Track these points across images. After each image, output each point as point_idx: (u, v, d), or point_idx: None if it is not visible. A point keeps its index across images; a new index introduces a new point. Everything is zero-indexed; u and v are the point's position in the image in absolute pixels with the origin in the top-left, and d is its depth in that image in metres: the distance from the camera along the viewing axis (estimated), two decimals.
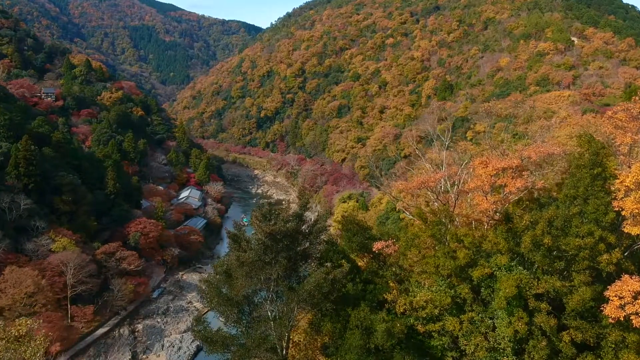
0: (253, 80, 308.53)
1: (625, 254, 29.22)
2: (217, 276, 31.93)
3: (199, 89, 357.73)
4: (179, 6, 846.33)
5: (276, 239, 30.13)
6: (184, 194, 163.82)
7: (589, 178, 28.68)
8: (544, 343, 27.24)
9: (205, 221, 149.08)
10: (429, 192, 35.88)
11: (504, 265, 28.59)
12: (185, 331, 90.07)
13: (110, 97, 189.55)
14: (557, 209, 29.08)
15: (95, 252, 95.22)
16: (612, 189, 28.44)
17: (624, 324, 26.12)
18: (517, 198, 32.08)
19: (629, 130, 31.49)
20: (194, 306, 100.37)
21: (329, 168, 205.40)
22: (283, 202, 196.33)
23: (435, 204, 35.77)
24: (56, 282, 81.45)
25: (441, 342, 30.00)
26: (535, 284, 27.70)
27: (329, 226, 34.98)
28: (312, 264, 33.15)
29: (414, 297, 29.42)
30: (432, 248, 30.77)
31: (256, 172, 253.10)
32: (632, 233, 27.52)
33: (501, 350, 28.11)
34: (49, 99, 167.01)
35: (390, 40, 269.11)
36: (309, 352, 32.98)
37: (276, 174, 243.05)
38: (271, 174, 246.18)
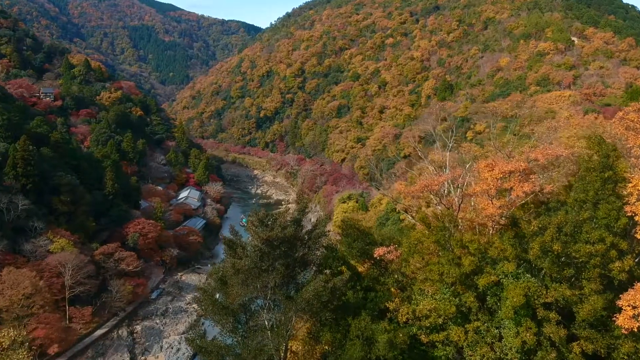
0: (252, 80, 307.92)
1: (637, 260, 28.15)
2: (212, 283, 30.92)
3: (199, 89, 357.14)
4: (178, 6, 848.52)
5: (273, 246, 29.08)
6: (183, 194, 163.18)
7: (599, 181, 27.61)
8: (553, 354, 26.20)
9: (204, 221, 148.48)
10: (432, 196, 34.67)
11: (511, 272, 27.53)
12: (184, 332, 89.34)
13: (109, 97, 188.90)
14: (567, 214, 27.98)
15: (93, 252, 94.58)
16: (624, 193, 27.33)
17: (638, 335, 25.10)
18: (523, 202, 30.98)
19: None
20: (193, 307, 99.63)
21: (329, 168, 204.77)
22: (282, 202, 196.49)
23: (438, 207, 34.67)
24: (54, 283, 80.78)
25: (445, 352, 28.77)
26: (544, 292, 26.62)
27: (329, 231, 33.57)
28: (311, 271, 32.11)
29: (417, 305, 28.26)
30: (435, 254, 29.60)
31: (256, 172, 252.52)
32: None
33: None
34: (48, 99, 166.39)
35: (390, 40, 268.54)
36: None
37: (276, 174, 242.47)
38: (271, 174, 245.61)
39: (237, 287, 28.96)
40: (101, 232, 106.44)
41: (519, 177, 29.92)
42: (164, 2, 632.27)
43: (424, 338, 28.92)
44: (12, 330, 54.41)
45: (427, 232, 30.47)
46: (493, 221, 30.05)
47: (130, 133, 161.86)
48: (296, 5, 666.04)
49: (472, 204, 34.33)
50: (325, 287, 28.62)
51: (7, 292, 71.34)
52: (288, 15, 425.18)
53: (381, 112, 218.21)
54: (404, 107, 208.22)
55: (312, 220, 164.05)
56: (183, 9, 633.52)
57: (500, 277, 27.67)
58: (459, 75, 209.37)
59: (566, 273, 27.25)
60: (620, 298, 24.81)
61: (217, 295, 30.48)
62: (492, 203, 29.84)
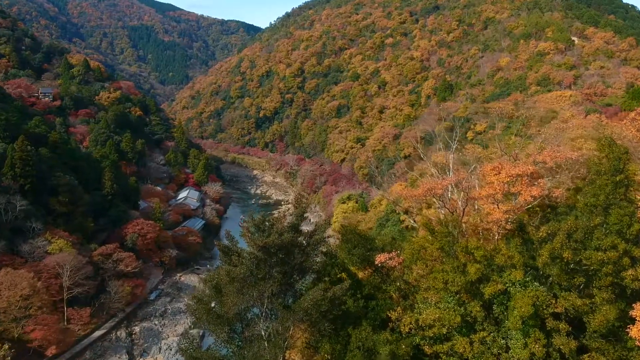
0: (252, 80, 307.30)
1: None
2: (207, 292, 29.68)
3: (198, 89, 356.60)
4: (177, 6, 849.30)
5: (270, 253, 27.99)
6: (182, 194, 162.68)
7: (611, 185, 26.56)
8: None
9: (203, 222, 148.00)
10: (435, 200, 33.53)
11: (519, 281, 26.33)
12: (182, 334, 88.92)
13: (108, 97, 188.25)
14: (577, 220, 26.90)
15: (92, 253, 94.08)
16: (637, 197, 26.50)
17: None
18: (529, 206, 29.78)
19: None
20: None
21: (328, 168, 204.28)
22: (282, 202, 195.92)
23: (441, 211, 33.60)
24: (52, 284, 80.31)
25: None
26: (554, 302, 25.49)
27: (328, 237, 32.35)
28: (310, 279, 30.97)
29: (420, 314, 27.01)
30: (439, 261, 28.44)
31: (255, 172, 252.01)
32: None
33: None
34: (47, 99, 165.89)
35: (390, 40, 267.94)
36: None
37: (275, 174, 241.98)
38: (270, 174, 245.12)
39: (232, 295, 27.78)
40: (100, 233, 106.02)
41: (527, 181, 28.81)
42: (164, 2, 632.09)
43: (427, 349, 27.61)
44: None
45: (430, 238, 29.23)
46: (499, 226, 28.92)
47: (129, 133, 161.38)
48: (296, 5, 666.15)
49: (476, 207, 33.14)
50: (325, 296, 27.41)
51: (5, 294, 70.83)
52: (287, 15, 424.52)
53: (381, 112, 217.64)
54: (403, 107, 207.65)
55: (312, 220, 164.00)
56: (182, 9, 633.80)
57: (507, 285, 26.53)
58: (459, 75, 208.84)
59: (576, 281, 26.14)
60: (633, 308, 23.86)
61: (213, 304, 29.37)
62: (498, 207, 28.69)
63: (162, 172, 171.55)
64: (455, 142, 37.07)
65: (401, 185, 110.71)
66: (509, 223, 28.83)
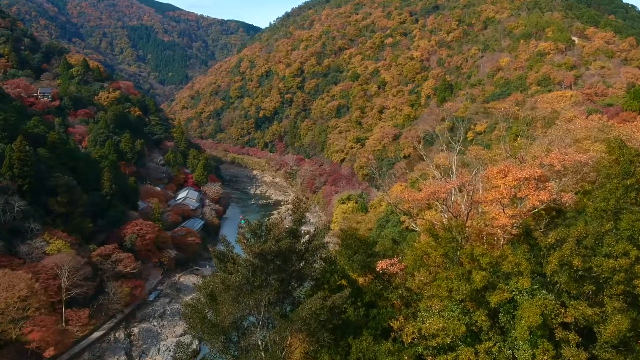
0: (252, 80, 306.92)
1: None
2: (201, 300, 28.56)
3: (198, 89, 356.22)
4: (177, 6, 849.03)
5: (266, 260, 26.88)
6: (182, 194, 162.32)
7: (622, 189, 25.58)
8: None
9: (202, 222, 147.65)
10: (437, 203, 32.38)
11: (526, 289, 25.12)
12: (181, 335, 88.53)
13: (107, 97, 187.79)
14: (586, 225, 25.73)
15: (90, 254, 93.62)
16: None
17: None
18: (535, 210, 28.60)
19: None
20: None
21: (328, 168, 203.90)
22: (282, 203, 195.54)
23: (445, 215, 32.48)
24: (50, 285, 79.79)
25: None
26: (563, 311, 24.31)
27: (327, 242, 31.28)
28: (308, 286, 29.87)
29: (423, 322, 25.74)
30: (443, 267, 27.36)
31: (255, 172, 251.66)
32: None
33: None
34: (46, 99, 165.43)
35: (390, 40, 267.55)
36: None
37: (275, 175, 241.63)
38: (270, 174, 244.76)
39: (227, 304, 26.66)
40: (98, 234, 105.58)
41: (534, 184, 27.71)
42: (163, 1, 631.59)
43: (430, 359, 26.37)
44: None
45: (434, 243, 28.00)
46: (504, 231, 27.96)
47: (129, 133, 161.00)
48: (295, 5, 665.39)
49: (480, 211, 32.13)
50: (324, 305, 26.17)
51: (2, 295, 70.36)
52: (287, 15, 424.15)
53: (381, 112, 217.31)
54: (403, 107, 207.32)
55: (311, 220, 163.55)
56: (182, 9, 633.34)
57: (514, 293, 25.34)
58: (459, 75, 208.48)
59: (586, 289, 25.05)
60: None
61: (208, 312, 28.44)
62: (504, 212, 27.62)
63: (161, 172, 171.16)
64: (460, 143, 35.78)
65: (401, 185, 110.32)
66: (515, 228, 27.83)
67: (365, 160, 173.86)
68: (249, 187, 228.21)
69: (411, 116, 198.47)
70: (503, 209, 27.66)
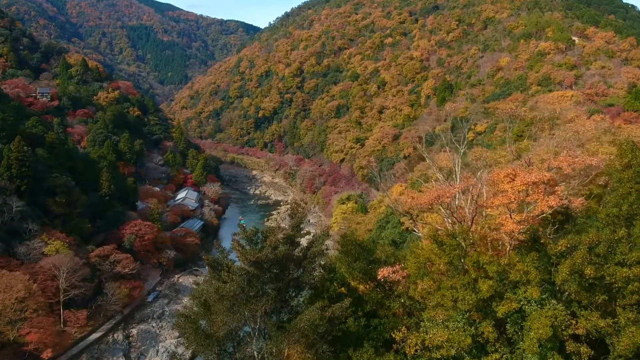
0: (251, 80, 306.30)
1: None
2: (194, 309, 27.28)
3: (197, 88, 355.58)
4: (177, 6, 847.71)
5: (263, 268, 25.70)
6: (181, 195, 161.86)
7: (635, 194, 24.47)
8: None
9: (202, 223, 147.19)
10: (441, 208, 31.06)
11: (535, 299, 23.70)
12: (180, 336, 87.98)
13: (106, 97, 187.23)
14: (599, 232, 24.41)
15: (89, 255, 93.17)
16: None
17: None
18: (543, 215, 27.32)
19: None
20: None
21: (328, 168, 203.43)
22: (281, 203, 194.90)
23: (448, 220, 31.24)
24: (48, 287, 79.43)
25: None
26: (574, 322, 22.97)
27: (327, 249, 30.04)
28: (307, 294, 28.72)
29: (427, 333, 24.51)
30: (447, 275, 26.09)
31: (254, 172, 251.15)
32: None
33: None
34: (44, 99, 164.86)
35: (389, 39, 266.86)
36: None
37: (274, 175, 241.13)
38: (269, 174, 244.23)
39: (222, 314, 25.54)
40: (97, 234, 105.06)
41: (543, 189, 26.38)
42: (163, 1, 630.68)
43: None
44: None
45: (438, 250, 26.57)
46: (511, 237, 26.42)
47: (128, 133, 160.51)
48: (295, 5, 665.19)
49: (484, 214, 31.00)
50: (323, 316, 24.84)
51: (0, 296, 70.01)
52: (287, 15, 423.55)
53: (380, 112, 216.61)
54: (403, 107, 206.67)
55: (311, 221, 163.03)
56: (182, 9, 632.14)
57: (522, 303, 23.95)
58: (459, 75, 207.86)
59: (597, 299, 23.73)
60: None
61: (202, 322, 27.24)
62: (512, 218, 26.31)
63: (160, 173, 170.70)
64: (464, 145, 34.37)
65: (401, 186, 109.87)
66: (522, 234, 26.51)
67: (366, 163, 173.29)
68: (248, 187, 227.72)
69: (411, 116, 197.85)
70: (510, 215, 26.59)
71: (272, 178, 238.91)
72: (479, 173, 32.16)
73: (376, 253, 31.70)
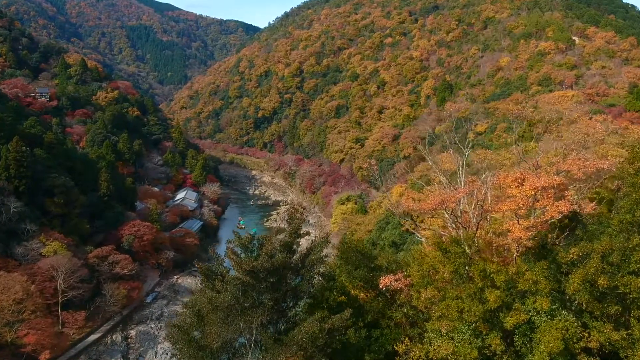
0: (250, 80, 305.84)
1: None
2: (187, 320, 25.97)
3: (197, 88, 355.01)
4: (176, 6, 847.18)
5: (259, 277, 24.50)
6: (180, 195, 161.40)
7: None
8: None
9: (201, 223, 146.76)
10: (445, 213, 29.96)
11: (545, 310, 22.55)
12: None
13: (105, 97, 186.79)
14: (612, 239, 23.36)
15: (87, 255, 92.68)
16: None
17: None
18: (552, 220, 26.02)
19: None
20: None
21: (327, 169, 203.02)
22: (281, 203, 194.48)
23: (452, 225, 30.22)
24: (46, 288, 79.00)
25: None
26: (586, 335, 21.91)
27: (326, 256, 28.90)
28: (304, 304, 27.67)
29: (430, 345, 23.43)
30: (452, 284, 25.00)
31: (254, 172, 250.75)
32: None
33: None
34: (43, 99, 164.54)
35: (389, 39, 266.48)
36: None
37: (274, 175, 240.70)
38: (269, 174, 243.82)
39: (216, 325, 24.29)
40: (96, 235, 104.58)
41: (553, 193, 25.12)
42: (162, 1, 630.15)
43: None
44: None
45: (442, 258, 25.42)
46: (519, 244, 25.28)
47: (127, 133, 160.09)
48: (294, 5, 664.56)
49: (488, 219, 30.05)
50: (322, 328, 23.57)
51: None
52: (286, 14, 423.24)
53: (380, 112, 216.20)
54: (403, 107, 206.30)
55: (311, 221, 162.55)
56: (181, 9, 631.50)
57: (531, 314, 22.82)
58: (459, 75, 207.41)
59: (610, 310, 22.63)
60: None
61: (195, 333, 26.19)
62: (519, 224, 25.18)
63: (159, 173, 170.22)
64: (469, 148, 33.30)
65: (401, 187, 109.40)
66: (530, 240, 25.26)
67: (366, 166, 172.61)
68: (247, 188, 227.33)
69: (411, 116, 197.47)
70: (518, 221, 25.67)
71: (272, 178, 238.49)
72: (483, 176, 31.14)
73: (378, 260, 30.59)
